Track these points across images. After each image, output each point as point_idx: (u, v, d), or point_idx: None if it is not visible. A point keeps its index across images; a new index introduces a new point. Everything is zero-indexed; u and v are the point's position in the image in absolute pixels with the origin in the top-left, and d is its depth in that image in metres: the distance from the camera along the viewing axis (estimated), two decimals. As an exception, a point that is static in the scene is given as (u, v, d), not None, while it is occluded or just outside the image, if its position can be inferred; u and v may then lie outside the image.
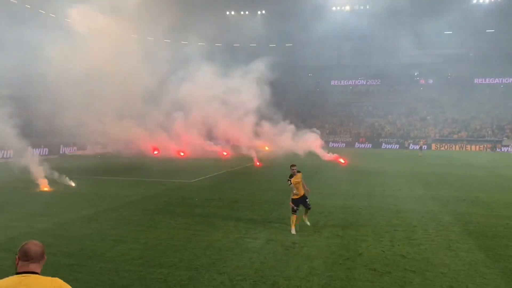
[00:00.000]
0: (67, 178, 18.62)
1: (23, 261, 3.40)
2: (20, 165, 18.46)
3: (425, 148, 49.61)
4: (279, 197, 16.26)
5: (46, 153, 34.32)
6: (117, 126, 32.84)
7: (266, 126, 34.53)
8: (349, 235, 10.87)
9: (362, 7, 68.24)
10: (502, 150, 51.96)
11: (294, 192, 11.31)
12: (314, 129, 35.85)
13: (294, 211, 11.20)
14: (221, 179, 22.51)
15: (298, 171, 11.57)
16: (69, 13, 28.43)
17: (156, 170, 26.09)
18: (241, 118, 34.08)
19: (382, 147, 58.42)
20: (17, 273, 3.34)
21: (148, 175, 23.37)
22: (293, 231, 10.96)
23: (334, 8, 68.02)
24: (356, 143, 59.86)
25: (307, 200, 11.64)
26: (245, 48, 53.12)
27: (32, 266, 3.41)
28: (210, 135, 38.05)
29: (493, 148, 53.25)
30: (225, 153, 37.10)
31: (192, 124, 34.98)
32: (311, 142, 33.07)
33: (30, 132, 31.11)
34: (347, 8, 68.25)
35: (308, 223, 11.81)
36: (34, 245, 3.48)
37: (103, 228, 11.36)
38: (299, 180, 11.46)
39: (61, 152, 36.08)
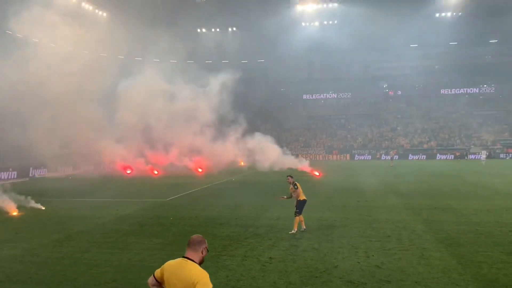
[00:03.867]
0: (36, 201, 18.06)
1: (186, 247, 4.40)
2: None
3: (396, 158, 50.65)
4: (255, 213, 16.25)
5: (15, 177, 33.27)
6: (87, 146, 32.27)
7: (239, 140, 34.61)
8: (325, 248, 10.94)
9: (330, 22, 69.81)
10: (471, 157, 53.56)
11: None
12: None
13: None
14: (196, 196, 22.29)
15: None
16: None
17: (129, 190, 25.62)
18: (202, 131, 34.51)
19: (355, 158, 59.30)
20: (183, 257, 4.34)
21: (121, 195, 22.93)
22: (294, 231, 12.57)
23: (303, 24, 69.35)
24: (330, 156, 60.58)
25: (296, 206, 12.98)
26: (217, 65, 53.27)
27: (189, 253, 4.39)
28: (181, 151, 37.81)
29: (462, 156, 54.86)
30: (200, 170, 36.84)
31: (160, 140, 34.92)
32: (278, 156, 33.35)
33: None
34: (316, 23, 69.70)
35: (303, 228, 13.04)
36: (196, 236, 4.47)
37: (74, 252, 11.06)
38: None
39: (30, 175, 35.02)
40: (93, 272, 9.30)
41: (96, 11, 53.71)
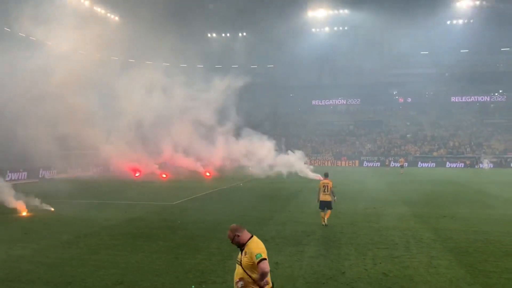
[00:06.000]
0: (45, 202, 18.23)
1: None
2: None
3: (406, 165, 50.33)
4: (262, 218, 16.24)
5: (25, 177, 33.60)
6: (98, 149, 32.53)
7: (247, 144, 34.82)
8: (332, 254, 10.91)
9: (341, 28, 69.92)
10: (481, 166, 53.04)
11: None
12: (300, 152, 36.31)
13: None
14: (204, 200, 22.35)
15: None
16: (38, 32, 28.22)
17: (137, 193, 25.75)
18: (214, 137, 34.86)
19: (364, 165, 59.02)
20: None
21: (129, 198, 23.05)
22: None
23: (313, 30, 69.52)
24: (338, 162, 60.36)
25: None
26: (227, 69, 53.53)
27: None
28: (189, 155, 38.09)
29: (472, 165, 54.34)
30: (208, 174, 36.98)
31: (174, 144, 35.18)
32: (294, 161, 33.52)
33: (7, 156, 30.54)
34: (327, 29, 69.86)
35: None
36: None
37: (83, 253, 11.15)
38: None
39: (40, 176, 35.36)
40: (101, 274, 9.37)
41: (108, 14, 54.31)
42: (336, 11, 68.05)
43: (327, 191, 14.77)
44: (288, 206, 19.58)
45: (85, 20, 36.12)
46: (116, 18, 55.50)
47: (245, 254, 5.30)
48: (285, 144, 38.40)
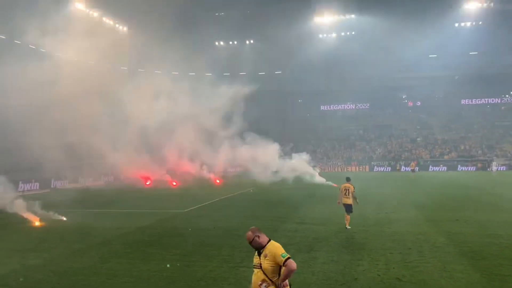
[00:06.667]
0: (57, 212, 18.36)
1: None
2: (9, 201, 18.19)
3: (417, 169, 49.88)
4: (272, 224, 16.19)
5: (37, 188, 33.91)
6: (107, 157, 32.77)
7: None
8: (345, 260, 10.82)
9: (348, 33, 69.93)
10: (493, 169, 52.36)
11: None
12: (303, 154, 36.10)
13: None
14: (214, 207, 22.36)
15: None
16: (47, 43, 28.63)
17: (148, 201, 25.86)
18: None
19: (374, 169, 58.62)
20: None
21: (141, 206, 23.14)
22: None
23: (320, 35, 69.62)
24: (349, 167, 60.00)
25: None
26: (235, 77, 53.74)
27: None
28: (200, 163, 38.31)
29: (484, 168, 53.69)
30: (218, 181, 37.07)
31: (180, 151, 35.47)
32: (300, 166, 33.42)
33: (19, 167, 30.89)
34: (334, 35, 69.92)
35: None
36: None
37: (95, 262, 11.20)
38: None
39: (52, 186, 35.65)
40: (113, 282, 9.40)
41: (117, 25, 54.92)
42: (342, 16, 68.14)
43: (348, 194, 15.27)
44: (298, 212, 19.49)
45: (94, 31, 36.55)
46: (125, 28, 56.10)
47: (266, 257, 5.33)
48: (291, 149, 38.11)
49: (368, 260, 10.78)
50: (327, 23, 68.58)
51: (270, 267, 5.28)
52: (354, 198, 15.35)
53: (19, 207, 17.72)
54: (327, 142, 69.34)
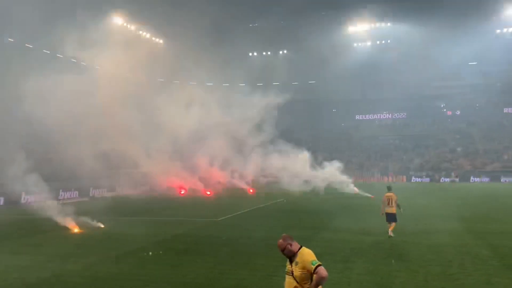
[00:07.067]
0: (95, 220, 18.84)
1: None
2: (50, 208, 18.83)
3: (457, 180, 48.18)
4: (306, 234, 15.96)
5: (76, 196, 35.00)
6: (143, 167, 33.55)
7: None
8: (382, 271, 10.50)
9: (383, 42, 69.01)
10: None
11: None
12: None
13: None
14: (248, 216, 22.35)
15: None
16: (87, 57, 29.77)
17: (183, 209, 26.19)
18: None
19: (412, 180, 57.06)
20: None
21: (176, 214, 23.46)
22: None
23: (355, 44, 69.06)
24: (385, 177, 58.67)
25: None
26: (268, 87, 54.03)
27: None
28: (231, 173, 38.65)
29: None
30: (251, 191, 37.12)
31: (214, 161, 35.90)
32: (332, 175, 32.98)
33: (59, 176, 32.04)
34: (368, 43, 69.18)
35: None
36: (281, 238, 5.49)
37: (131, 268, 11.36)
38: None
39: (90, 195, 36.72)
40: (148, 288, 9.49)
41: (153, 38, 56.48)
42: (377, 25, 67.39)
43: (391, 204, 15.26)
44: (332, 222, 19.18)
45: (131, 44, 37.75)
46: (161, 41, 57.59)
47: (297, 264, 5.29)
48: (324, 158, 37.50)
49: (407, 272, 10.42)
50: (361, 32, 68.04)
51: (301, 274, 5.25)
52: (398, 206, 15.33)
53: (60, 215, 18.29)
54: (362, 152, 68.22)
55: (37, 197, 21.05)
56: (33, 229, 18.39)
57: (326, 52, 65.16)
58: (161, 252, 13.04)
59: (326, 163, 34.86)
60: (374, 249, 13.16)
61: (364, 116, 75.84)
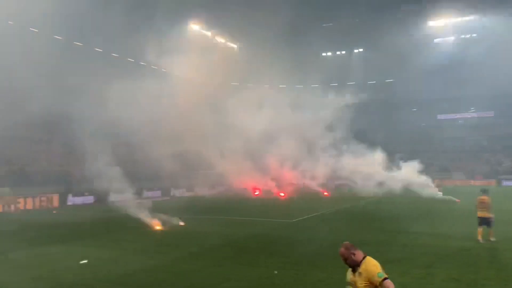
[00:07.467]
0: (177, 217, 19.73)
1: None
2: (135, 206, 20.06)
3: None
4: (385, 237, 15.39)
5: (159, 195, 36.98)
6: (220, 168, 34.59)
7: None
8: (468, 279, 9.79)
9: (468, 36, 64.62)
10: None
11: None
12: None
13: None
14: (323, 219, 22.06)
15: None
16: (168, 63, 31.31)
17: (257, 210, 26.54)
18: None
19: (503, 184, 52.61)
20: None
21: (251, 215, 23.85)
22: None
23: (436, 40, 65.45)
24: (471, 181, 54.69)
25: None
26: (343, 87, 52.97)
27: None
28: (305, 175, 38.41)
29: None
30: (326, 193, 36.62)
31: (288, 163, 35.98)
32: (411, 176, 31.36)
33: (143, 176, 34.08)
34: (451, 38, 65.17)
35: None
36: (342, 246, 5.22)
37: (209, 265, 11.72)
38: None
39: (171, 194, 38.63)
40: (226, 286, 9.73)
41: (228, 43, 58.04)
42: (461, 18, 63.27)
43: (485, 207, 14.45)
44: (413, 226, 18.25)
45: (207, 50, 39.19)
46: (235, 46, 59.02)
47: (360, 275, 4.93)
48: (402, 159, 35.54)
49: (496, 280, 9.61)
50: (443, 27, 64.32)
51: (364, 286, 4.88)
52: (490, 211, 14.45)
53: (143, 213, 19.44)
54: (445, 153, 64.25)
55: (123, 196, 22.52)
56: (119, 226, 19.70)
57: (405, 49, 62.51)
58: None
59: (402, 163, 33.26)
60: (459, 255, 12.32)
61: (447, 115, 71.43)
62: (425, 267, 10.91)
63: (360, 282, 4.90)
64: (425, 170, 33.92)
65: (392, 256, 12.17)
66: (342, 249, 5.15)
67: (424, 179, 31.28)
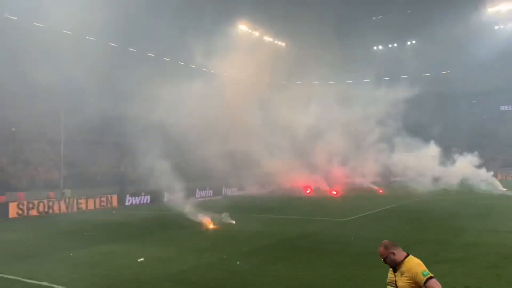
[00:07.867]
0: (229, 216, 19.95)
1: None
2: (188, 206, 20.52)
3: None
4: (444, 236, 14.69)
5: (211, 195, 37.63)
6: (270, 167, 34.65)
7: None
8: (539, 281, 9.11)
9: (534, 20, 60.47)
10: None
11: None
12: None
13: None
14: (377, 217, 21.44)
15: None
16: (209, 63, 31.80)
17: (310, 209, 26.29)
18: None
19: None
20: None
21: (303, 213, 23.68)
22: None
23: (497, 27, 61.65)
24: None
25: None
26: (396, 81, 51.14)
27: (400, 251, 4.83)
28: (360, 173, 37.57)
29: None
30: (380, 191, 35.62)
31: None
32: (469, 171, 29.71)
33: (196, 176, 34.87)
34: (513, 24, 61.24)
35: None
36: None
37: (261, 263, 11.72)
38: None
39: (223, 193, 39.18)
40: (278, 284, 9.67)
41: (276, 41, 57.96)
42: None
43: None
44: (474, 225, 17.27)
45: (256, 49, 39.39)
46: (283, 44, 58.81)
47: (402, 274, 4.68)
48: (459, 153, 33.55)
49: None
50: (505, 12, 60.40)
51: (407, 285, 4.61)
52: None
53: (196, 212, 19.84)
54: (510, 147, 60.30)
55: (177, 196, 23.18)
56: (173, 225, 20.21)
57: (462, 39, 59.42)
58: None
59: (458, 157, 31.52)
60: (528, 256, 11.50)
61: (510, 106, 67.15)
62: (488, 268, 10.30)
63: (402, 281, 4.67)
64: (487, 165, 32.04)
65: (453, 256, 11.59)
66: (381, 248, 4.90)
67: (482, 173, 29.55)
